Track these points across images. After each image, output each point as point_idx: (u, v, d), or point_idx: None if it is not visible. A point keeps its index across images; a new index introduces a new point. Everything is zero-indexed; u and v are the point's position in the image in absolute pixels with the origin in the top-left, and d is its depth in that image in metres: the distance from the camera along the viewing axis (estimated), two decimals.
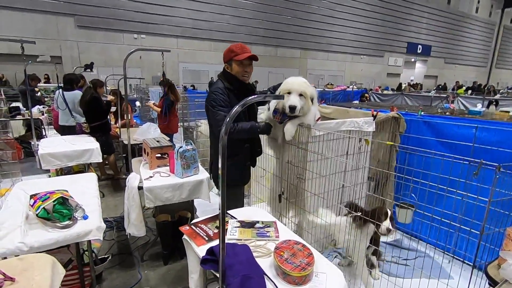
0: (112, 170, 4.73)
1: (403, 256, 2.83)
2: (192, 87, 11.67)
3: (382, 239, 3.14)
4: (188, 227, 1.64)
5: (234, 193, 2.33)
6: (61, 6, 11.87)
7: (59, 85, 4.84)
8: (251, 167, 2.51)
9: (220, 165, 1.02)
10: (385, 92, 13.87)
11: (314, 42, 18.52)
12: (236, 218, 1.75)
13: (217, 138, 2.15)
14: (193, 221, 1.72)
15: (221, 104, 2.01)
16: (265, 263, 1.35)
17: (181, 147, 2.65)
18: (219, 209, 1.06)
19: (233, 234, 1.56)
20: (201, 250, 1.44)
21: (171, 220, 2.61)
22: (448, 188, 2.17)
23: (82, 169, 4.01)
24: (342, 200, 2.88)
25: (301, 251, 1.33)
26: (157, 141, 3.05)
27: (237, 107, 1.00)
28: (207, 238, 1.54)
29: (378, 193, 3.18)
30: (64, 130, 4.37)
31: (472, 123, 2.63)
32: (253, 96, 1.03)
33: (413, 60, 23.97)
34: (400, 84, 18.24)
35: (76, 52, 12.42)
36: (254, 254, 1.38)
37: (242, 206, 2.46)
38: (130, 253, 2.79)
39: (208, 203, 2.75)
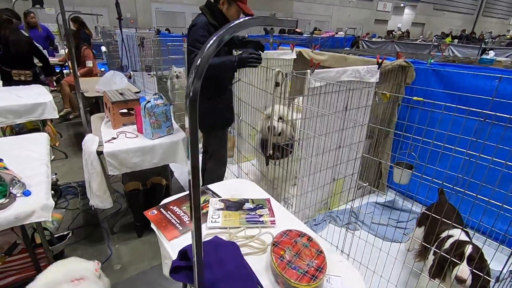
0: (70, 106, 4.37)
1: (397, 218, 2.65)
2: (167, 31, 10.43)
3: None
4: (156, 211, 1.26)
5: (218, 136, 2.26)
6: None
7: None
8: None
9: (189, 129, 0.62)
10: (373, 39, 13.17)
11: None
12: (219, 196, 1.39)
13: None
14: (163, 202, 1.33)
15: (199, 40, 1.78)
16: (260, 264, 1.01)
17: (148, 102, 2.16)
18: (189, 185, 0.67)
19: (215, 221, 1.20)
20: (173, 248, 1.08)
21: (142, 189, 2.22)
22: (456, 148, 1.90)
23: (36, 126, 3.42)
24: (338, 162, 2.58)
25: (308, 248, 0.99)
26: (120, 94, 2.51)
27: (211, 42, 0.58)
28: (181, 228, 1.17)
29: (376, 153, 2.92)
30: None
31: (492, 73, 2.26)
32: (229, 25, 0.60)
33: (402, 5, 22.75)
34: (391, 31, 17.39)
35: None
36: (245, 250, 1.04)
37: (226, 151, 2.37)
38: (98, 224, 2.44)
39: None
